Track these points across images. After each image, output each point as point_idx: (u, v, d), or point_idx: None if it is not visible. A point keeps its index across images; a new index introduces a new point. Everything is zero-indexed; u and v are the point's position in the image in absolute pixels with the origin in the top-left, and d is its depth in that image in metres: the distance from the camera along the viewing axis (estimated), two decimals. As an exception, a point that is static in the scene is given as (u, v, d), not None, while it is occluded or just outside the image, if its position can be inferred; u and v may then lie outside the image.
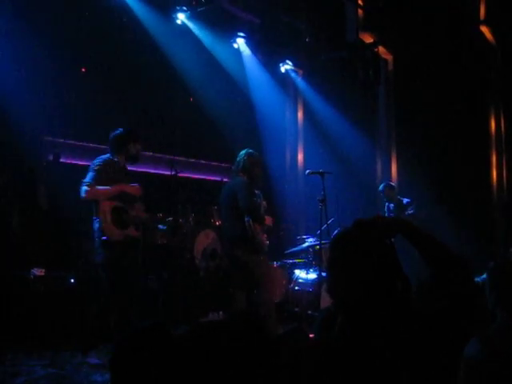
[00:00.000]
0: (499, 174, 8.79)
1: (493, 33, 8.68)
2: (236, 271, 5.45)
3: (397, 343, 1.53)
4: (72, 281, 5.65)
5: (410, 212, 7.62)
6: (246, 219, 5.12)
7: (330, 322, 1.72)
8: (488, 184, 8.80)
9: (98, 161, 4.90)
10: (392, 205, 7.97)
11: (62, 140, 7.08)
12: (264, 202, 5.58)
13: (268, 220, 5.51)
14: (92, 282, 5.85)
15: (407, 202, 7.87)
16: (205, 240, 7.40)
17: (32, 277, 5.46)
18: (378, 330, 1.55)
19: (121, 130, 5.10)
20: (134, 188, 4.99)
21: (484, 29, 8.66)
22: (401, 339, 1.53)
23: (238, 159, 5.36)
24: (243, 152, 5.37)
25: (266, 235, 5.42)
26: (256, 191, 5.45)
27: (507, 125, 8.84)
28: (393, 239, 1.72)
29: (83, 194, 4.68)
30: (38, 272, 5.47)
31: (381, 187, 8.09)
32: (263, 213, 5.42)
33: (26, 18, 6.25)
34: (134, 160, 5.18)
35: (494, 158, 8.87)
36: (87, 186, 4.68)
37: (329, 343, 1.65)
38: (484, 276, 2.66)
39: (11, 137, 6.21)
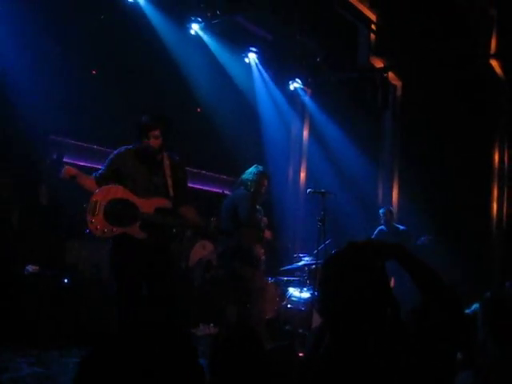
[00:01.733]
0: (499, 207, 8.80)
1: (502, 66, 8.74)
2: (230, 283, 5.44)
3: (384, 364, 1.53)
4: (66, 281, 5.63)
5: (419, 243, 7.66)
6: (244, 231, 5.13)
7: (322, 341, 1.73)
8: (488, 216, 8.81)
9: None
10: (385, 229, 8.01)
11: (66, 140, 7.11)
12: (265, 218, 5.60)
13: (267, 234, 5.53)
14: (86, 283, 5.86)
15: (403, 230, 7.95)
16: (201, 251, 7.40)
17: (26, 273, 5.46)
18: (365, 351, 1.56)
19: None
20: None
21: (494, 62, 8.72)
22: (389, 360, 1.54)
23: (245, 173, 5.38)
24: (253, 167, 5.40)
25: (263, 249, 5.43)
26: (258, 207, 5.47)
27: (510, 158, 8.87)
28: (385, 263, 1.74)
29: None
30: (33, 269, 5.47)
31: (382, 210, 8.18)
32: (263, 227, 5.44)
33: (39, 18, 6.31)
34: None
35: (495, 191, 8.88)
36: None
37: (315, 361, 1.66)
38: (474, 307, 2.66)
39: (16, 134, 6.25)
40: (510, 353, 2.34)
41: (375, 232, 8.08)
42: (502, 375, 2.23)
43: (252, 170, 5.38)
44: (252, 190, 5.25)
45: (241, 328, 2.35)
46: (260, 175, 5.34)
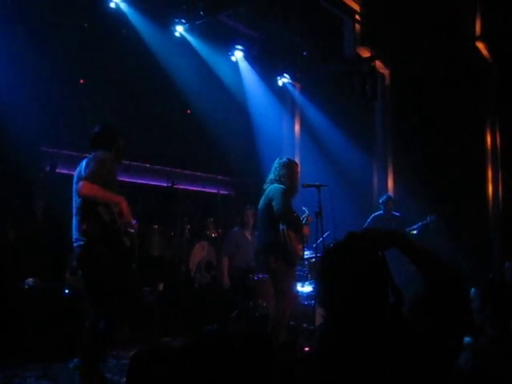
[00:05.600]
0: (495, 189, 8.81)
1: (488, 48, 8.74)
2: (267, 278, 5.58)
3: (387, 355, 1.52)
4: (66, 291, 5.61)
5: (428, 221, 7.86)
6: (280, 227, 5.04)
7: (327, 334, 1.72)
8: (484, 198, 8.81)
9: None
10: (382, 213, 8.02)
11: (58, 150, 7.08)
12: (310, 217, 5.46)
13: (306, 230, 5.41)
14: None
15: (398, 216, 8.01)
16: (200, 252, 7.39)
17: (26, 287, 5.44)
18: (368, 342, 1.55)
19: (101, 123, 4.41)
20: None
21: (480, 45, 8.72)
22: (391, 351, 1.53)
23: (273, 167, 5.28)
24: (276, 162, 5.30)
25: (300, 245, 5.27)
26: (303, 207, 5.41)
27: (503, 140, 8.87)
28: (385, 252, 1.72)
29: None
30: (33, 283, 5.44)
31: (384, 198, 8.16)
32: (301, 222, 5.30)
33: (26, 29, 6.29)
34: (121, 158, 4.46)
35: (489, 173, 8.88)
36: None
37: (319, 355, 1.65)
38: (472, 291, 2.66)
39: (8, 147, 6.22)
40: (508, 334, 2.35)
41: (370, 218, 8.07)
42: (500, 356, 2.23)
43: (277, 164, 5.23)
44: (284, 182, 5.09)
45: (248, 330, 2.32)
46: (290, 164, 5.22)
